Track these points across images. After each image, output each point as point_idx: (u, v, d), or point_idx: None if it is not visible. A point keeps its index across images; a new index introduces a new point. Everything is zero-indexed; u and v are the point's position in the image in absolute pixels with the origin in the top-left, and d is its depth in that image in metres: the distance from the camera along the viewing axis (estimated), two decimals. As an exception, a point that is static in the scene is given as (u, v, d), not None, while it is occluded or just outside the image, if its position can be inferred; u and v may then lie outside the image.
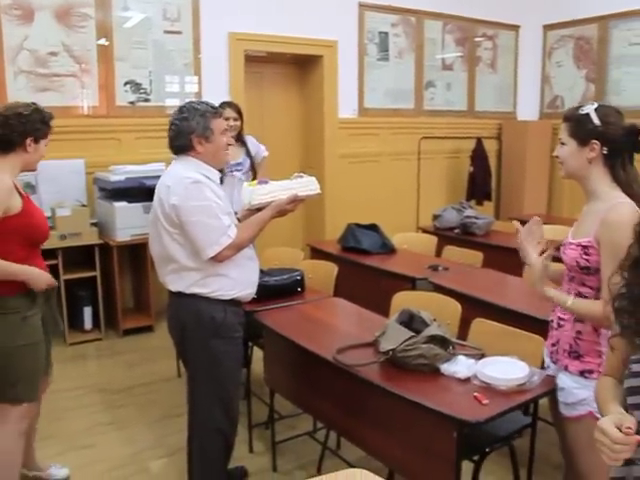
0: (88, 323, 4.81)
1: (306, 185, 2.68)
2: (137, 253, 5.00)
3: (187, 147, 2.51)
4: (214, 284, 2.50)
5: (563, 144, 2.06)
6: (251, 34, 5.65)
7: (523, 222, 5.77)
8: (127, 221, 4.67)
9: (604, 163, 1.99)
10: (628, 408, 1.21)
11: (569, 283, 2.10)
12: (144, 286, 5.00)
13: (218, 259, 2.44)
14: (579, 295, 2.04)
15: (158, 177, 4.51)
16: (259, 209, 2.62)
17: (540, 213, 6.90)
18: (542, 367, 2.27)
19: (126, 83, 5.15)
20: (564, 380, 2.08)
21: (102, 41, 4.99)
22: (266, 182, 2.65)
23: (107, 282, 4.84)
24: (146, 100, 5.27)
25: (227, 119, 3.68)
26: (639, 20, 6.63)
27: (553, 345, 2.17)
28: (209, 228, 2.41)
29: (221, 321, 2.51)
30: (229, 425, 2.62)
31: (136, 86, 5.20)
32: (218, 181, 2.59)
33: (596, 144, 1.97)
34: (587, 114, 1.99)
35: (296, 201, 2.62)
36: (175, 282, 2.53)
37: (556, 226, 4.88)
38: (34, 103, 2.58)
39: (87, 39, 4.96)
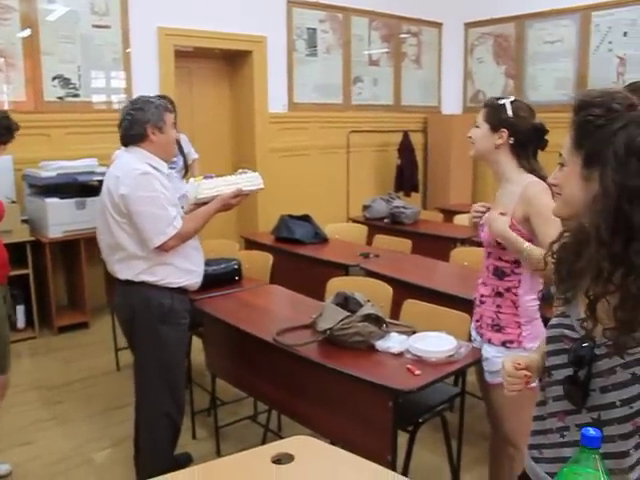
0: (21, 322, 4.73)
1: (250, 180, 2.79)
2: (70, 249, 4.94)
3: (141, 136, 2.58)
4: (161, 272, 2.58)
5: (477, 127, 2.27)
6: (180, 29, 5.66)
7: (449, 211, 6.01)
8: (59, 217, 4.63)
9: (510, 151, 2.20)
10: (546, 355, 1.37)
11: (487, 259, 2.29)
12: (78, 283, 4.95)
13: (164, 248, 2.53)
14: (497, 269, 2.23)
15: (91, 173, 4.63)
16: (204, 203, 2.70)
17: (465, 202, 7.19)
18: (469, 341, 2.45)
19: (54, 78, 5.08)
20: (488, 351, 2.26)
21: (26, 32, 4.90)
22: (212, 177, 2.73)
23: (40, 280, 4.78)
24: (75, 95, 5.21)
25: None
26: (551, 20, 7.04)
27: (477, 321, 2.36)
28: (156, 218, 2.48)
29: (169, 307, 2.59)
30: (176, 410, 2.69)
31: (65, 81, 5.13)
32: (166, 173, 2.66)
33: (504, 132, 2.18)
34: (503, 104, 2.20)
35: (240, 195, 2.72)
36: (124, 271, 2.60)
37: (479, 214, 5.12)
38: (6, 111, 2.67)
39: (11, 32, 4.86)
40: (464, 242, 4.57)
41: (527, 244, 2.09)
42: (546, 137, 2.21)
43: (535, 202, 2.07)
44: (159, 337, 2.58)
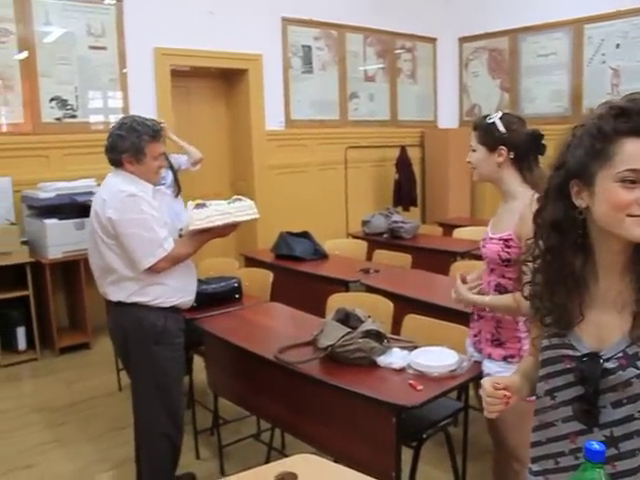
0: (22, 343, 4.71)
1: (243, 209, 2.69)
2: (70, 270, 4.94)
3: (118, 163, 2.58)
4: (153, 292, 2.57)
5: (474, 150, 2.26)
6: (176, 49, 5.70)
7: (448, 225, 6.01)
8: (59, 238, 4.63)
9: (513, 166, 2.20)
10: (538, 380, 1.36)
11: (489, 275, 2.27)
12: (79, 303, 4.94)
13: (154, 270, 2.52)
14: (499, 286, 2.22)
15: (89, 193, 4.64)
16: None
17: (463, 216, 7.23)
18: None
19: (52, 99, 5.11)
20: (489, 366, 2.24)
21: (23, 55, 4.93)
22: (203, 205, 2.63)
23: (40, 301, 4.77)
24: (73, 116, 5.24)
25: None
26: (544, 34, 7.10)
27: (475, 336, 2.35)
28: (145, 240, 2.48)
29: (162, 328, 2.58)
30: (175, 429, 2.68)
31: (62, 102, 5.16)
32: (151, 194, 2.63)
33: (503, 149, 2.18)
34: (493, 123, 2.20)
35: (233, 226, 2.67)
36: (115, 292, 2.59)
37: (479, 227, 5.14)
38: None
39: (8, 55, 4.89)
40: (464, 256, 4.58)
41: (488, 298, 2.19)
42: (543, 142, 2.19)
43: (529, 225, 2.07)
44: (153, 358, 2.57)
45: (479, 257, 3.93)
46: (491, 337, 2.24)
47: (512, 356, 2.18)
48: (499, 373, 2.18)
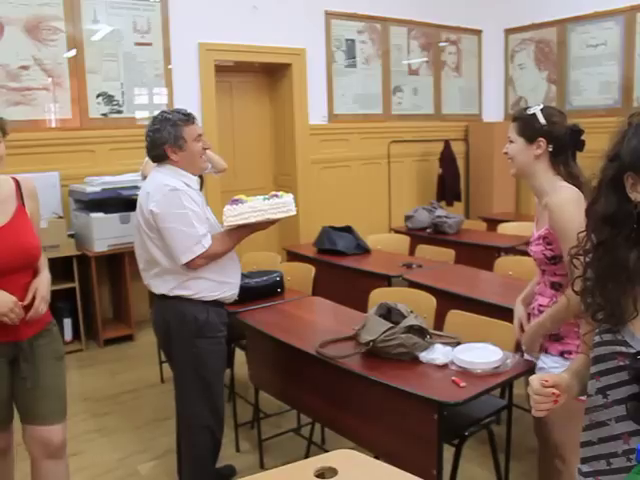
0: (68, 334, 4.82)
1: (279, 207, 2.61)
2: (115, 263, 5.04)
3: (162, 157, 2.59)
4: (195, 286, 2.57)
5: (512, 142, 2.22)
6: (220, 44, 5.74)
7: (493, 220, 5.92)
8: (104, 232, 4.72)
9: (549, 159, 2.15)
10: (589, 378, 1.31)
11: (542, 277, 2.23)
12: (123, 296, 5.03)
13: (191, 266, 2.51)
14: (554, 284, 2.16)
15: (134, 187, 4.70)
16: None
17: (508, 211, 7.11)
18: (515, 351, 2.39)
19: (98, 95, 5.20)
20: (545, 361, 2.18)
21: (72, 52, 5.03)
22: (238, 202, 2.58)
23: (86, 293, 4.87)
24: (118, 112, 5.32)
25: None
26: (594, 23, 6.90)
27: None
28: (184, 235, 2.48)
29: (204, 321, 2.59)
30: (216, 422, 2.69)
31: (108, 98, 5.24)
32: (197, 187, 2.66)
33: (542, 141, 2.14)
34: (534, 114, 2.16)
35: (269, 222, 2.63)
36: (159, 285, 2.61)
37: (523, 223, 5.06)
38: None
39: (58, 52, 5.00)
40: (508, 251, 4.49)
41: (542, 317, 2.15)
42: (582, 138, 2.16)
43: (555, 216, 2.04)
44: (196, 351, 2.58)
45: (524, 253, 3.87)
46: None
47: (570, 352, 2.11)
48: (554, 369, 2.12)
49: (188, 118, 2.60)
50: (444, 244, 4.68)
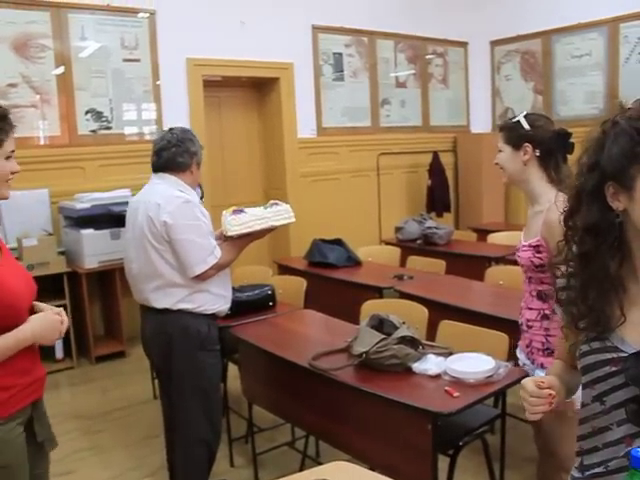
0: (59, 352, 4.79)
1: (280, 214, 2.72)
2: (106, 279, 5.01)
3: (185, 166, 2.63)
4: (199, 300, 2.60)
5: (500, 151, 2.26)
6: (209, 59, 5.77)
7: (483, 230, 5.94)
8: (95, 248, 4.70)
9: (539, 164, 2.18)
10: (582, 387, 1.32)
11: (529, 285, 2.24)
12: (115, 312, 5.00)
13: (202, 277, 2.55)
14: (540, 293, 2.17)
15: (124, 203, 4.65)
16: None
17: (498, 221, 7.14)
18: (507, 361, 2.40)
19: (87, 112, 5.20)
20: (539, 375, 2.17)
21: (60, 69, 5.03)
22: (241, 211, 2.67)
23: (77, 310, 4.85)
24: (107, 128, 5.32)
25: None
26: (578, 34, 6.99)
27: (527, 346, 2.28)
28: (198, 247, 2.51)
29: (206, 334, 2.62)
30: (213, 435, 2.70)
31: (97, 115, 5.25)
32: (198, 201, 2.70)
33: (528, 147, 2.17)
34: (518, 121, 2.20)
35: (268, 230, 2.72)
36: (161, 299, 2.60)
37: (513, 232, 5.08)
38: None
39: (46, 70, 5.00)
40: (499, 261, 4.51)
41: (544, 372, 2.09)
42: (571, 140, 2.17)
43: (553, 231, 2.02)
44: (198, 364, 2.60)
45: (514, 262, 3.87)
46: (542, 346, 2.19)
47: None
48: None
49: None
50: (435, 255, 4.70)
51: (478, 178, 7.51)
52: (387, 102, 7.31)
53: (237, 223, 2.62)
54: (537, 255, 2.13)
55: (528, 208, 2.29)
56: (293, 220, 2.76)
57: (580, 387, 1.34)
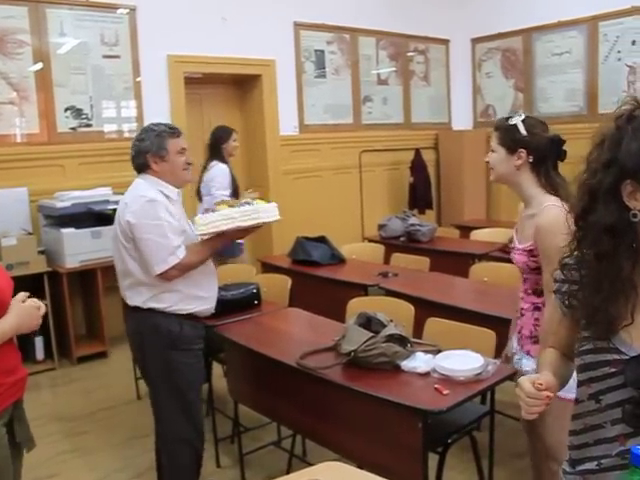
0: (40, 353, 4.72)
1: (250, 213, 2.62)
2: (87, 279, 4.94)
3: (145, 166, 2.60)
4: (169, 299, 2.56)
5: (493, 151, 2.24)
6: (189, 56, 5.71)
7: (465, 227, 5.99)
8: (76, 247, 4.64)
9: (530, 169, 2.16)
10: (578, 384, 1.32)
11: (524, 284, 2.24)
12: (96, 312, 4.94)
13: (165, 277, 2.51)
14: (535, 290, 2.18)
15: (105, 202, 4.63)
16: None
17: (479, 218, 7.18)
18: (495, 357, 2.40)
19: (67, 109, 5.12)
20: (527, 364, 2.19)
21: (38, 66, 4.95)
22: (209, 210, 2.65)
23: (58, 310, 4.77)
24: (87, 125, 5.25)
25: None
26: (558, 32, 7.05)
27: (519, 332, 2.30)
28: (158, 246, 2.47)
29: (177, 334, 2.57)
30: (195, 434, 2.65)
31: (77, 112, 5.18)
32: (178, 198, 2.65)
33: (523, 152, 2.14)
34: (515, 125, 2.16)
35: (250, 229, 2.66)
36: (133, 297, 2.59)
37: (495, 229, 5.11)
38: None
39: (24, 66, 4.92)
40: (482, 258, 4.53)
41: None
42: (564, 148, 2.17)
43: (541, 237, 2.04)
44: (170, 363, 2.57)
45: (498, 259, 3.90)
46: (529, 334, 2.20)
47: None
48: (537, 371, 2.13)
49: (174, 131, 2.64)
50: (418, 252, 4.70)
51: (460, 175, 7.54)
52: (369, 99, 7.31)
53: (203, 223, 2.56)
54: (532, 259, 2.14)
55: (519, 206, 2.28)
56: (265, 220, 2.67)
57: (574, 380, 1.34)
